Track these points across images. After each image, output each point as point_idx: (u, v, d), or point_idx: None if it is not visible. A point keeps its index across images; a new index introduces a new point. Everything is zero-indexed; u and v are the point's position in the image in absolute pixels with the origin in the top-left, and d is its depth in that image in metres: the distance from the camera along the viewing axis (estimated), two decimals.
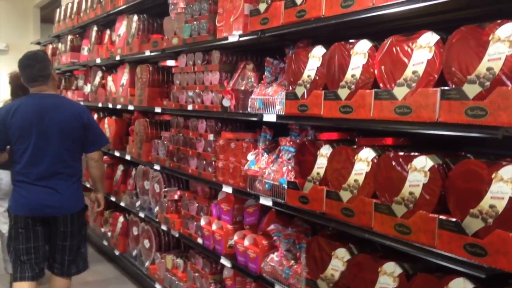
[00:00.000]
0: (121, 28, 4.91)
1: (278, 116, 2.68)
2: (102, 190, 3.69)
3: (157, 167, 4.13)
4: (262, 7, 2.75)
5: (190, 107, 3.58)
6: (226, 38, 3.12)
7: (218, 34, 3.25)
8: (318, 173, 2.44)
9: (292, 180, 2.60)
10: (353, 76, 2.18)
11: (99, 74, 5.67)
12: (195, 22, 3.48)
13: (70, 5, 6.69)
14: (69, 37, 6.43)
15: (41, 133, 3.16)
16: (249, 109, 2.95)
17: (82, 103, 6.05)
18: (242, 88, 3.08)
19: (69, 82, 7.03)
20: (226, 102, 3.12)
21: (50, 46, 7.62)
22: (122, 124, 5.20)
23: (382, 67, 2.05)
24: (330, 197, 2.32)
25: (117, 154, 5.04)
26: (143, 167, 4.52)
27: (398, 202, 1.96)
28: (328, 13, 2.32)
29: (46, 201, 3.18)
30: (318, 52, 2.43)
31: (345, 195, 2.24)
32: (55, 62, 7.24)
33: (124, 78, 4.90)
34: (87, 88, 6.02)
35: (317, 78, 2.43)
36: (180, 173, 3.78)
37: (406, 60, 1.94)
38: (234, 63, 3.36)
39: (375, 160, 2.12)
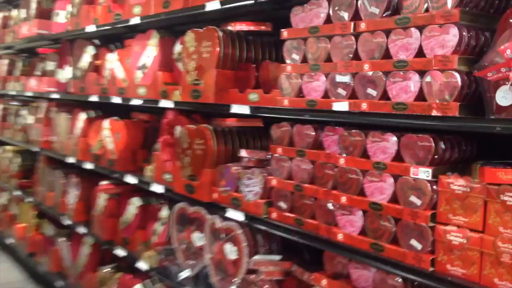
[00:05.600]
0: None
1: None
2: None
3: (236, 215, 2.24)
4: None
5: (343, 106, 1.74)
6: None
7: None
8: None
9: None
10: None
11: (90, 51, 3.64)
12: None
13: None
14: None
15: None
16: None
17: (56, 95, 3.99)
18: None
19: (30, 66, 4.88)
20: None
21: None
22: (136, 130, 3.23)
23: None
24: None
25: (130, 180, 3.06)
26: (188, 207, 2.61)
27: None
28: None
29: None
30: None
31: None
32: (8, 36, 5.06)
33: (147, 55, 2.95)
34: (64, 73, 3.96)
35: None
36: (308, 237, 1.93)
37: None
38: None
39: None
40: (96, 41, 3.67)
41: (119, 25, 3.17)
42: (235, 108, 2.25)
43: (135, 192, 3.25)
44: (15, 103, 5.29)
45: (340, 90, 1.77)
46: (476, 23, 1.47)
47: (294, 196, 1.99)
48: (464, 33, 1.43)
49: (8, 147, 5.22)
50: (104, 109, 3.78)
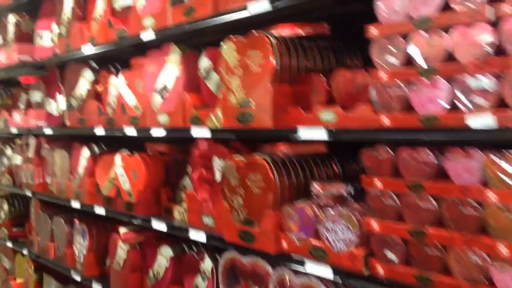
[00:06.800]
0: None
1: None
2: None
3: (319, 269, 1.73)
4: None
5: (488, 121, 1.28)
6: None
7: None
8: None
9: None
10: None
11: (87, 75, 3.11)
12: None
13: None
14: (12, 19, 3.73)
15: None
16: None
17: (49, 130, 3.43)
18: None
19: (11, 98, 4.29)
20: None
21: None
22: (157, 165, 2.70)
23: None
24: None
25: (157, 225, 2.53)
26: (241, 257, 2.11)
27: None
28: None
29: None
30: None
31: None
32: None
33: (167, 75, 2.44)
34: (56, 104, 3.41)
35: None
36: None
37: None
38: None
39: None
40: (93, 63, 3.13)
41: (124, 43, 2.66)
42: (305, 133, 1.76)
43: (161, 239, 2.72)
44: None
45: (478, 99, 1.31)
46: None
47: (409, 245, 1.51)
48: None
49: None
50: (106, 143, 3.25)
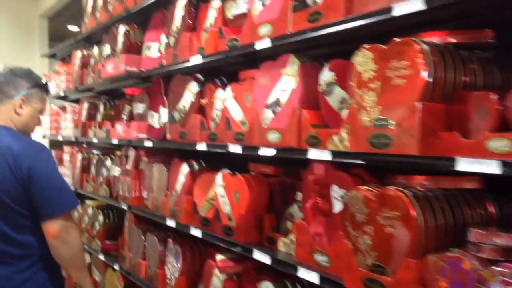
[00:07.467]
0: None
1: None
2: (85, 282, 2.31)
3: None
4: None
5: None
6: None
7: None
8: None
9: None
10: None
11: (193, 88, 2.94)
12: None
13: None
14: (122, 29, 3.72)
15: None
16: None
17: (149, 143, 3.31)
18: None
19: (115, 109, 4.30)
20: None
21: (78, 55, 4.91)
22: (261, 188, 2.42)
23: None
24: None
25: (260, 257, 2.24)
26: None
27: None
28: None
29: None
30: None
31: None
32: (88, 78, 4.54)
33: (281, 88, 2.17)
34: (158, 117, 3.29)
35: None
36: None
37: None
38: None
39: None
40: (199, 76, 2.97)
41: (236, 53, 2.44)
42: (466, 164, 1.38)
43: (260, 271, 2.42)
44: (97, 151, 4.74)
45: None
46: None
47: None
48: None
49: (89, 202, 4.63)
50: (206, 160, 3.06)
